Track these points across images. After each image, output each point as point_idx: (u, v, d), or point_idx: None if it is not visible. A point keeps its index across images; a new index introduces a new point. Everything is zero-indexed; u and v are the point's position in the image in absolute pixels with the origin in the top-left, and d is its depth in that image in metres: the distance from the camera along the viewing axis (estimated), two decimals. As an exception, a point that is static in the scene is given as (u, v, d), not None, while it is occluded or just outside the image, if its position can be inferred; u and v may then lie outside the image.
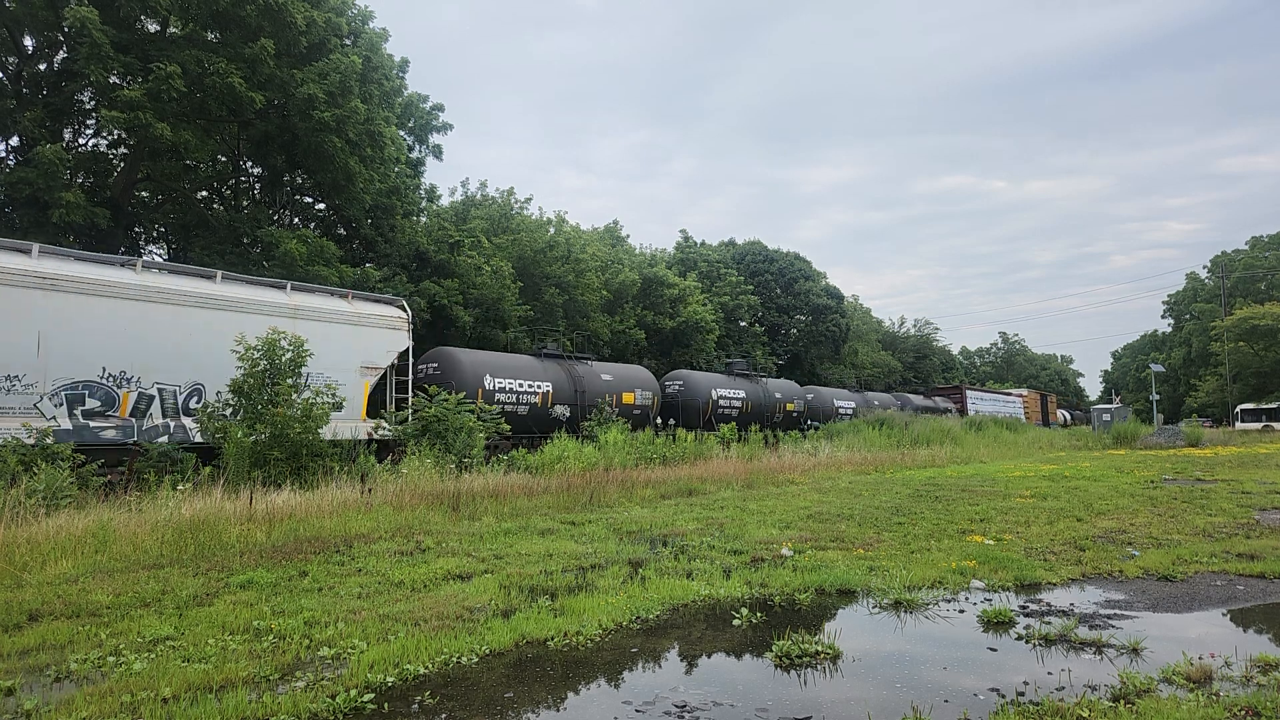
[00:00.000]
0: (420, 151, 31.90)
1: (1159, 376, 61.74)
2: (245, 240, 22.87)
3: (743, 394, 30.21)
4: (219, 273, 15.21)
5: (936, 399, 51.79)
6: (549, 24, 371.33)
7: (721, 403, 29.01)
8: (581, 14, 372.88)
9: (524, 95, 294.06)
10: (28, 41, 21.23)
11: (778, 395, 32.52)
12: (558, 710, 3.85)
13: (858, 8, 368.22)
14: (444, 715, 3.75)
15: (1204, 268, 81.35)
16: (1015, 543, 7.99)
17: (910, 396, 48.57)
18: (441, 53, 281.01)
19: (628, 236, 47.64)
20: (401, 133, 28.78)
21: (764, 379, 33.12)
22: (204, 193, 26.04)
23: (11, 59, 20.89)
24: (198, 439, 13.44)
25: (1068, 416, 79.46)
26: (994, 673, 4.26)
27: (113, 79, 19.07)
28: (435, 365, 19.99)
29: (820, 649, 4.58)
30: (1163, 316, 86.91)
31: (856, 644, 4.78)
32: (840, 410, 37.21)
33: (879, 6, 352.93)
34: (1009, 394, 64.96)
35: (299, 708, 3.73)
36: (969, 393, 54.17)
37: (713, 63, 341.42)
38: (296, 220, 27.06)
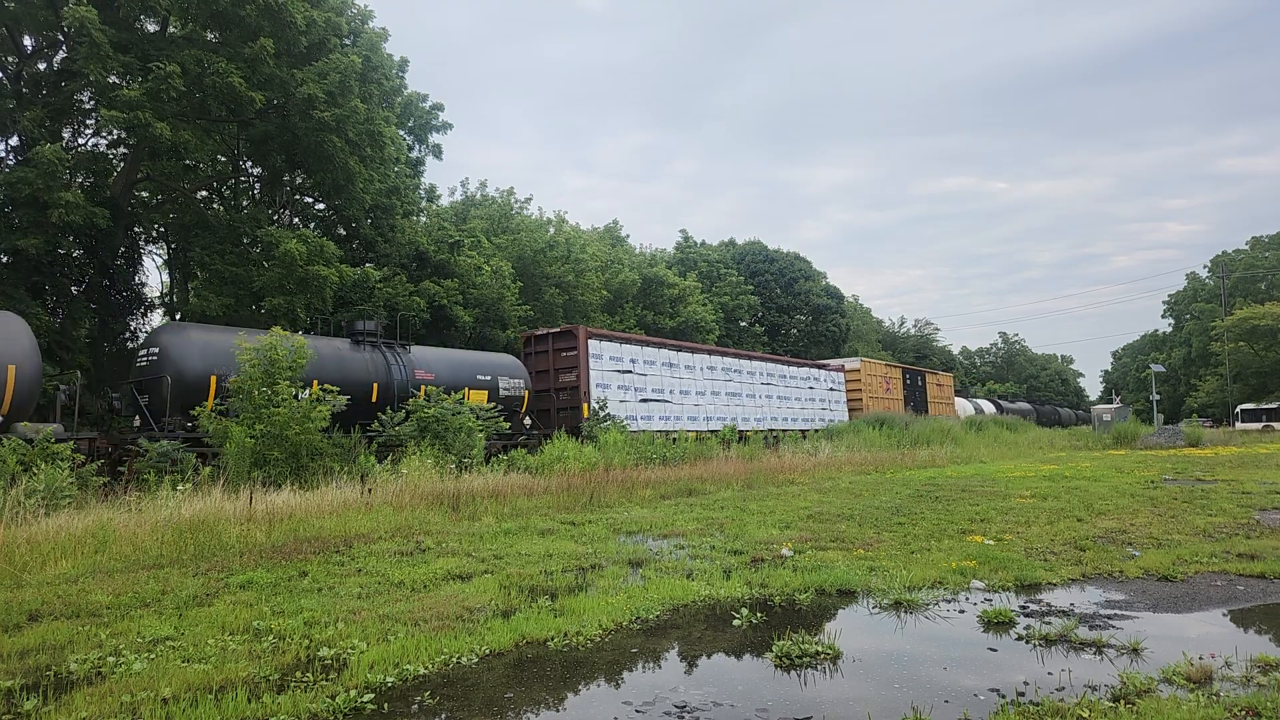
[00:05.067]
0: (420, 151, 31.90)
1: (1159, 376, 61.60)
2: (245, 240, 22.86)
3: None
4: None
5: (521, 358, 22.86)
6: (555, 26, 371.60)
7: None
8: (587, 17, 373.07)
9: (530, 97, 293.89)
10: (27, 41, 21.22)
11: None
12: (558, 710, 3.85)
13: (863, 11, 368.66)
14: (444, 715, 3.75)
15: (1204, 268, 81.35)
16: (1015, 543, 7.99)
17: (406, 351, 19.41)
18: (449, 57, 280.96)
19: (627, 236, 47.70)
20: (401, 132, 28.78)
21: None
22: (204, 192, 26.02)
23: (11, 59, 20.88)
24: None
25: (987, 408, 52.90)
26: (994, 673, 4.25)
27: (112, 79, 19.05)
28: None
29: (820, 649, 4.57)
30: (1163, 316, 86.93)
31: (857, 644, 4.78)
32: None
33: (884, 10, 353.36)
34: (789, 365, 32.04)
35: (299, 708, 3.73)
36: (597, 345, 22.76)
37: (717, 65, 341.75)
38: (296, 220, 27.04)
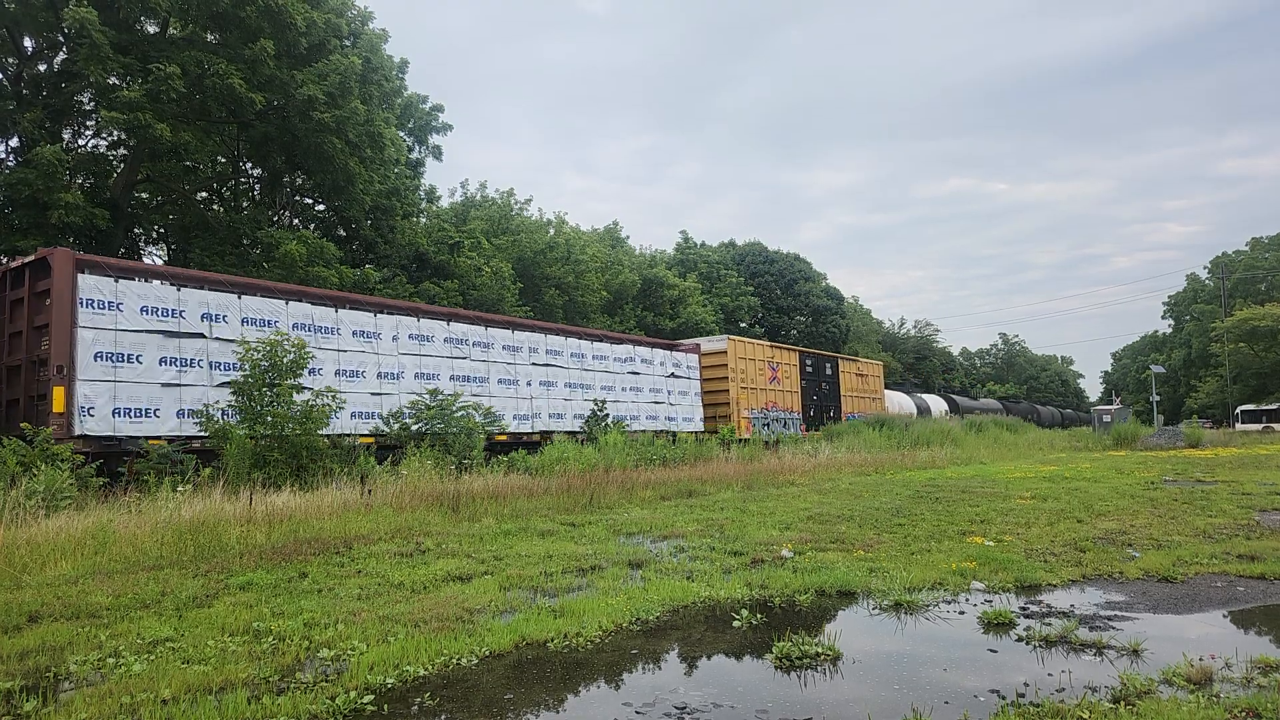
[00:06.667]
0: (420, 152, 31.96)
1: (1159, 378, 61.53)
2: (245, 241, 22.88)
3: None
4: None
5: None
6: (556, 27, 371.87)
7: None
8: (589, 18, 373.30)
9: (531, 99, 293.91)
10: (27, 42, 21.24)
11: None
12: (557, 712, 3.84)
13: (865, 14, 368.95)
14: (444, 717, 3.74)
15: (1204, 269, 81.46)
16: (1015, 544, 7.98)
17: None
18: (449, 57, 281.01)
19: (628, 238, 47.75)
20: (401, 133, 28.80)
21: None
22: (204, 194, 26.06)
23: (11, 60, 20.90)
24: None
25: (935, 406, 44.46)
26: (994, 674, 4.25)
27: (112, 80, 19.08)
28: None
29: (820, 650, 4.57)
30: (1163, 318, 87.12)
31: (857, 645, 4.78)
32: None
33: (886, 13, 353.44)
34: (599, 342, 22.41)
35: (298, 709, 3.72)
36: (109, 286, 11.82)
37: (719, 68, 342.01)
38: (296, 221, 27.07)
